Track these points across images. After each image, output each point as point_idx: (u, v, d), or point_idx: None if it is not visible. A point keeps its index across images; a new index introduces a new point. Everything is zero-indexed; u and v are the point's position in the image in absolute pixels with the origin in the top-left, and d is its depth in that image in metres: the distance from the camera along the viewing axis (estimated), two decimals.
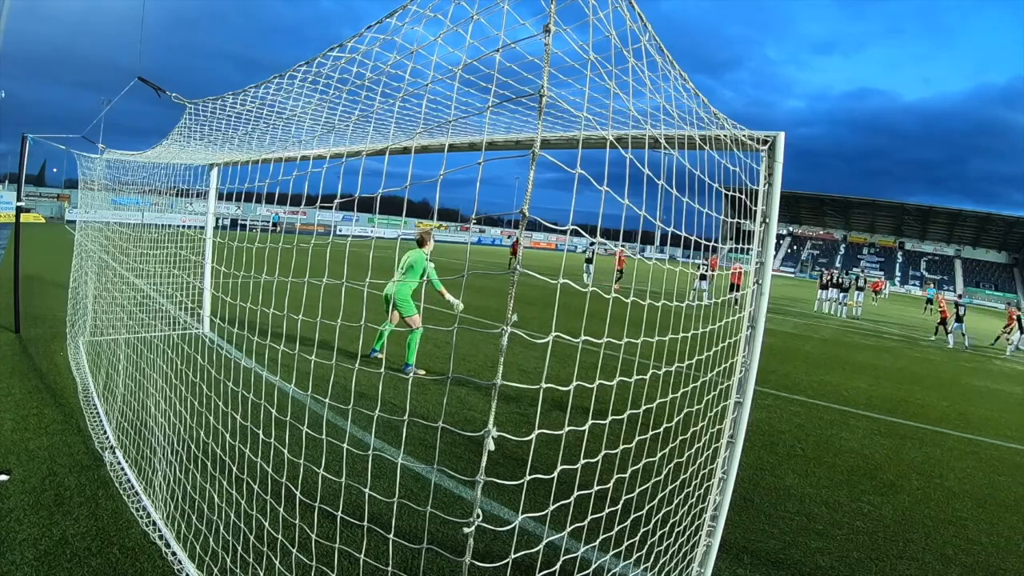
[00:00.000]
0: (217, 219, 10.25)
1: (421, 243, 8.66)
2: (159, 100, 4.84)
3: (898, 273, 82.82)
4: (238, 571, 3.46)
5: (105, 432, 5.50)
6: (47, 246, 23.80)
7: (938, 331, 22.74)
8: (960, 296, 27.49)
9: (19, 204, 9.93)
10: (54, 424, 5.73)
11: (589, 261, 29.17)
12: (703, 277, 23.44)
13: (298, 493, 3.04)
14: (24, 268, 10.26)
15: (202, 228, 10.58)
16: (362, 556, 2.69)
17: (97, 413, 5.96)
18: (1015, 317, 20.92)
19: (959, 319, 21.29)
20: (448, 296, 8.44)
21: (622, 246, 18.55)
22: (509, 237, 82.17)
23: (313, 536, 2.94)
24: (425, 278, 8.43)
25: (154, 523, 4.11)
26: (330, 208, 2.73)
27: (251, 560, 3.44)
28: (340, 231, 56.05)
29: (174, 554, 3.78)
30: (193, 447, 4.10)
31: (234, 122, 4.77)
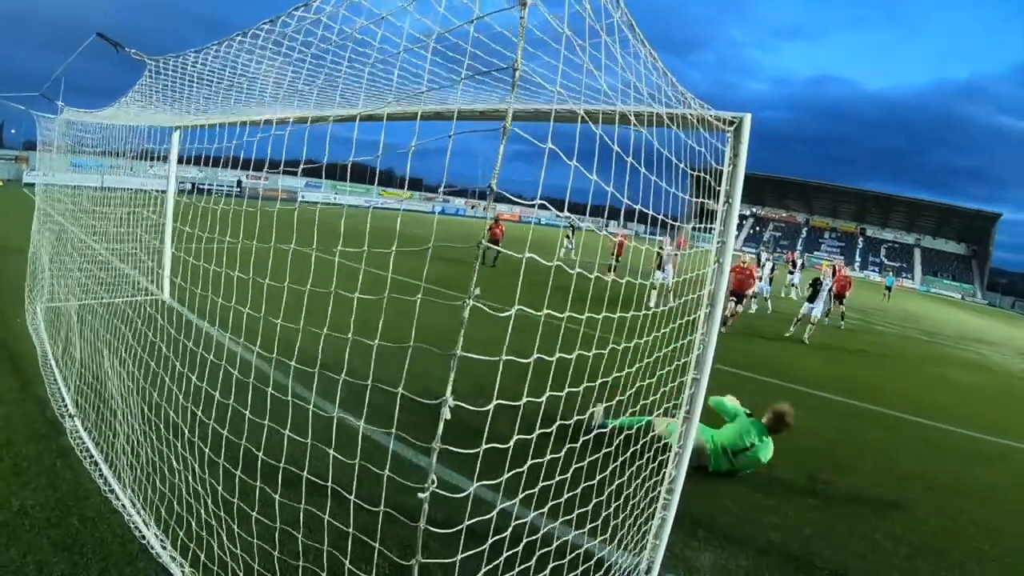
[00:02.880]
0: (179, 183, 10.01)
1: (775, 428, 6.05)
2: (118, 56, 4.69)
3: (858, 258, 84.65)
4: (204, 535, 3.44)
5: (64, 400, 5.40)
6: (5, 210, 23.00)
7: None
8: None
9: None
10: (11, 392, 5.59)
11: (568, 237, 28.98)
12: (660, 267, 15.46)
13: (260, 455, 3.04)
14: None
15: (163, 192, 10.33)
16: (326, 518, 2.72)
17: (56, 380, 5.84)
18: (792, 259, 19.91)
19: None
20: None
21: (623, 230, 15.97)
22: (472, 208, 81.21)
23: (276, 499, 2.94)
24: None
25: (114, 491, 4.07)
26: (295, 174, 2.70)
27: (215, 525, 3.42)
28: (303, 197, 55.03)
29: (134, 524, 3.76)
30: (151, 414, 4.05)
31: (196, 83, 4.65)
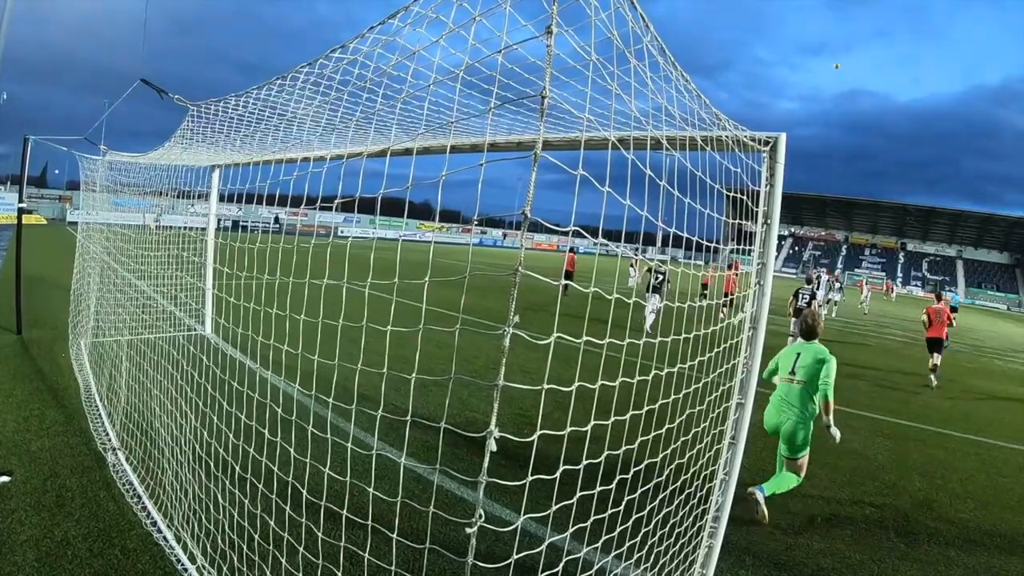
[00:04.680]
0: (218, 220, 10.25)
1: (812, 333, 5.91)
2: (162, 101, 4.85)
3: (900, 273, 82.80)
4: (245, 571, 3.45)
5: (107, 433, 5.50)
6: (49, 248, 23.80)
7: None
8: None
9: (21, 205, 9.95)
10: (56, 426, 5.73)
11: (632, 267, 28.86)
12: (655, 289, 14.71)
13: (305, 492, 3.04)
14: (26, 270, 10.27)
15: (203, 229, 10.57)
16: (366, 555, 2.69)
17: (99, 415, 5.96)
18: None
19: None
20: (830, 415, 5.55)
21: (729, 266, 13.98)
22: (505, 236, 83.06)
23: (319, 535, 2.93)
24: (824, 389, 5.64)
25: (156, 524, 4.11)
26: (331, 209, 2.73)
27: (256, 559, 3.42)
28: (341, 232, 56.00)
29: (176, 557, 3.78)
30: (196, 448, 4.10)
31: (236, 124, 4.77)
